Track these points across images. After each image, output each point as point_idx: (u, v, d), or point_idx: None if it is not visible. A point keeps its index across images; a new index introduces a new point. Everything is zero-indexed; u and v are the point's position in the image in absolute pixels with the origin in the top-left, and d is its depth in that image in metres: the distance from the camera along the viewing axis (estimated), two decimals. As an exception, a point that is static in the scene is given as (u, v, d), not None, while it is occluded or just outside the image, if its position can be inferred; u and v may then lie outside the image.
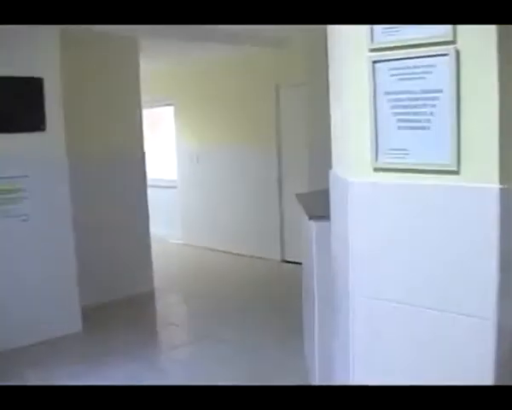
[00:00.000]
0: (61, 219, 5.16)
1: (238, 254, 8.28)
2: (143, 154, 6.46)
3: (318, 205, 3.85)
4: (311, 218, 3.37)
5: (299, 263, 7.40)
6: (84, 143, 5.79)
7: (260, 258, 8.01)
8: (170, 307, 6.49)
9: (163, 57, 8.00)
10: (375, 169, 2.14)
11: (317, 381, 3.66)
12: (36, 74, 4.89)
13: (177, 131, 9.30)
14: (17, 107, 4.78)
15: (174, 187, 9.44)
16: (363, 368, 2.28)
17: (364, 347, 2.25)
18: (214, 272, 7.66)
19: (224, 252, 8.47)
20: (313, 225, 3.36)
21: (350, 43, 2.21)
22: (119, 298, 6.08)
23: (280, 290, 6.65)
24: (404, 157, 2.08)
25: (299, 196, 4.39)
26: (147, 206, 6.55)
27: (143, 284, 6.47)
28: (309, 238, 3.67)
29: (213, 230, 8.78)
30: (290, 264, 7.67)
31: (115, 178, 6.17)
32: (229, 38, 6.75)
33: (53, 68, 5.01)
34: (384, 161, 2.12)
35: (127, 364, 4.61)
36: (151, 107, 9.44)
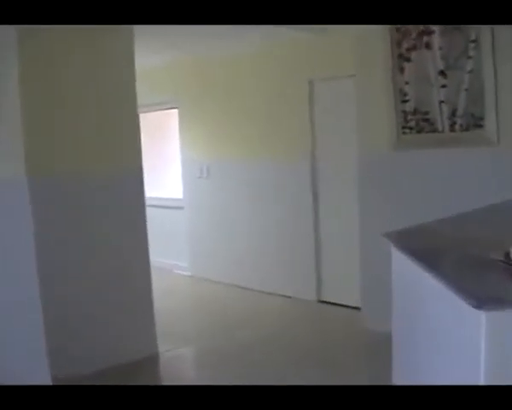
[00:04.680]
0: (20, 265, 3.52)
1: (261, 292, 6.63)
2: (141, 170, 4.82)
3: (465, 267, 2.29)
4: (480, 306, 1.74)
5: (342, 305, 6.05)
6: (59, 159, 4.23)
7: (291, 297, 6.36)
8: (181, 375, 4.82)
9: (164, 48, 6.39)
10: None
11: None
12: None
13: (183, 140, 7.64)
14: None
15: (180, 207, 7.80)
16: None
17: None
18: (234, 315, 6.00)
19: (244, 288, 6.80)
20: (483, 318, 1.74)
21: None
22: (108, 366, 4.42)
23: (323, 342, 5.06)
24: None
25: (399, 239, 2.76)
26: (146, 244, 4.89)
27: (142, 344, 4.82)
28: (464, 330, 2.07)
29: (229, 260, 7.12)
30: (329, 305, 6.05)
31: (98, 205, 4.53)
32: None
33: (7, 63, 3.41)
34: None
35: None
36: (149, 111, 7.83)
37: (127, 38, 4.67)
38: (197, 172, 7.40)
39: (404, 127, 4.77)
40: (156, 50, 6.46)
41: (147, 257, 4.90)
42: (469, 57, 4.31)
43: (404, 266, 2.65)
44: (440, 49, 4.46)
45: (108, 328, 4.55)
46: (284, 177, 6.37)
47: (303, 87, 6.04)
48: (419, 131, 4.68)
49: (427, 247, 2.64)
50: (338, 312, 5.84)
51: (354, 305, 5.67)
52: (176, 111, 7.67)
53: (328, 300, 6.10)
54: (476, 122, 4.34)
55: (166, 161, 8.23)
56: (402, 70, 4.72)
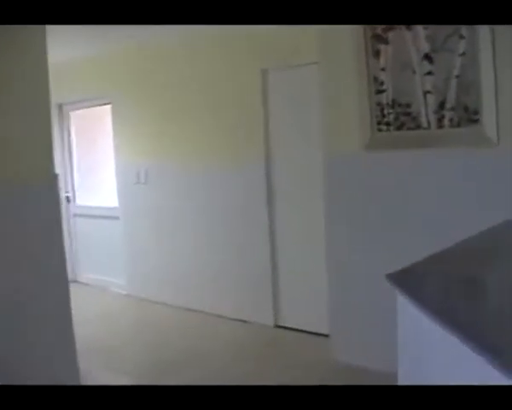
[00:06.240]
0: None
1: (209, 315, 5.74)
2: (54, 177, 3.85)
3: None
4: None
5: (303, 331, 5.09)
6: None
7: (244, 321, 5.50)
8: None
9: (92, 37, 5.43)
10: None
11: None
12: None
13: (117, 140, 6.67)
14: None
15: (115, 217, 6.83)
16: None
17: None
18: (178, 344, 5.08)
19: (189, 310, 5.91)
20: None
21: None
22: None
23: (284, 375, 4.19)
24: None
25: (409, 287, 1.99)
26: (64, 264, 3.92)
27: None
28: None
29: (172, 278, 6.20)
30: (288, 331, 5.21)
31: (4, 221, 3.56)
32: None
33: None
34: None
35: None
36: (79, 108, 6.86)
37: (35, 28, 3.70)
38: (134, 177, 6.44)
39: (379, 123, 3.96)
40: (82, 40, 5.52)
41: (65, 278, 3.94)
42: (461, 37, 3.52)
43: (418, 321, 1.85)
44: (425, 27, 3.66)
45: (15, 368, 3.58)
46: (234, 182, 5.50)
47: (255, 77, 5.19)
48: (398, 128, 3.88)
49: (445, 298, 1.89)
50: (300, 339, 5.00)
51: (319, 331, 4.86)
52: (109, 107, 6.71)
53: (287, 325, 5.25)
54: (470, 116, 3.56)
55: (100, 164, 7.25)
56: (377, 54, 3.91)
